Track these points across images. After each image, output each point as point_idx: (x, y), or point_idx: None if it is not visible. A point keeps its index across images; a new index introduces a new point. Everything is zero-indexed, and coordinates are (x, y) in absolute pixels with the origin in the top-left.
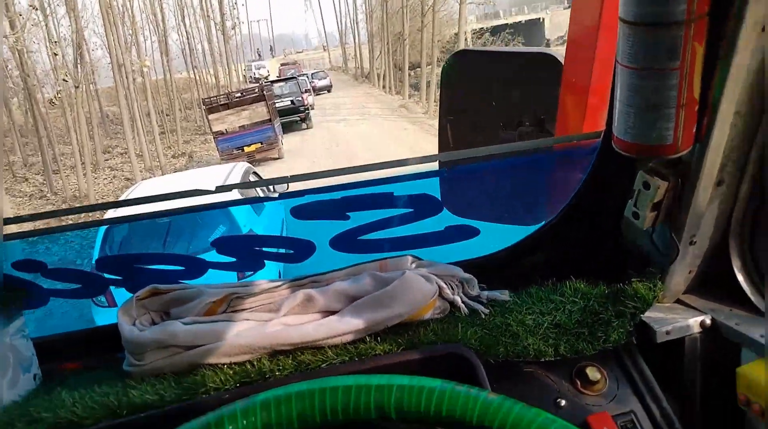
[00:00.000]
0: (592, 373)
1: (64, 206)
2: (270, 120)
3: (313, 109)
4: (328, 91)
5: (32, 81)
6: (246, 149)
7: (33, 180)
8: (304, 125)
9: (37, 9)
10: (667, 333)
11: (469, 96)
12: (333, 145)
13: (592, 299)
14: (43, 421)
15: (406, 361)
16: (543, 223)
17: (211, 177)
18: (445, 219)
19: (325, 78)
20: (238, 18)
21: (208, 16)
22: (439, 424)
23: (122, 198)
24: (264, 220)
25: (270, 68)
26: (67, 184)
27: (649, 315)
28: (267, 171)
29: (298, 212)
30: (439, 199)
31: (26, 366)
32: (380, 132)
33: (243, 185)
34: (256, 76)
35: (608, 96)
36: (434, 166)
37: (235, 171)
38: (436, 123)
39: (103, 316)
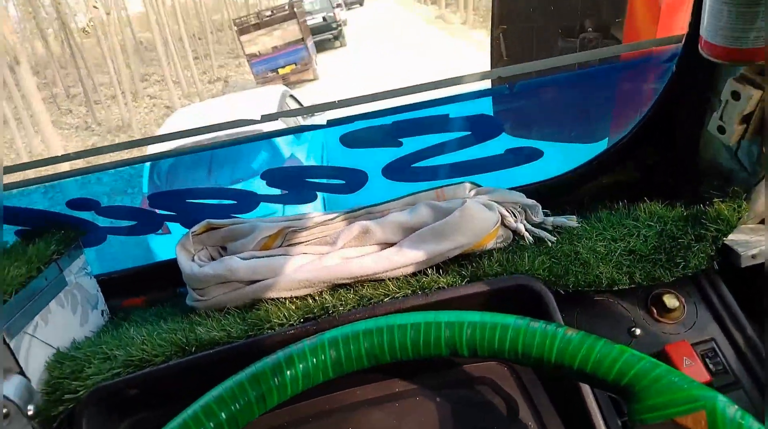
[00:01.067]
0: (669, 300)
1: (108, 136)
2: (303, 39)
3: (345, 25)
4: (360, 5)
5: (64, 10)
6: (280, 71)
7: (77, 112)
8: (337, 43)
9: None
10: (753, 257)
11: (524, 2)
12: (369, 64)
13: (669, 222)
14: (117, 359)
15: (472, 294)
16: (608, 140)
17: (249, 101)
18: (505, 141)
19: None
20: None
21: None
22: (515, 361)
23: (163, 126)
24: (305, 146)
25: None
26: (110, 114)
27: (732, 238)
28: (303, 93)
29: (348, 140)
30: (499, 119)
31: (93, 303)
32: (416, 46)
33: (288, 113)
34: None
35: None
36: (487, 83)
37: (272, 94)
38: (475, 34)
39: (158, 243)
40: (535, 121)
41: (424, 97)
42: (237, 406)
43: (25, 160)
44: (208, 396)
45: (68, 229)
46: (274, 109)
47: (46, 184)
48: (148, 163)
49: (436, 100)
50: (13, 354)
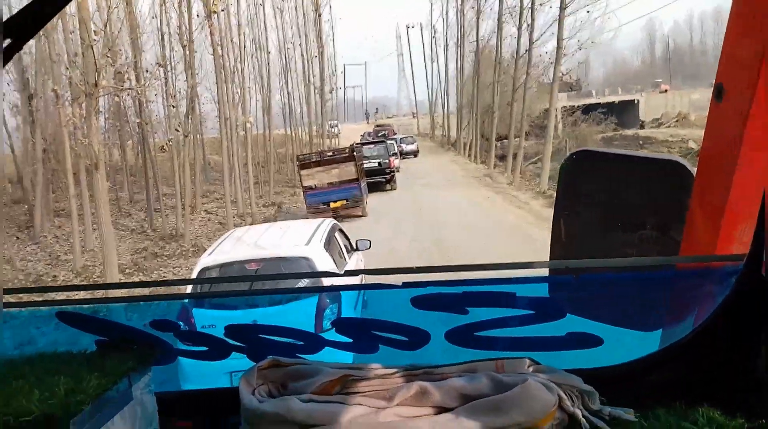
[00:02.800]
0: None
1: (160, 242)
2: (357, 179)
3: (398, 171)
4: (415, 156)
5: (147, 128)
6: (332, 205)
7: (136, 216)
8: (388, 187)
9: (161, 66)
10: None
11: (588, 194)
12: (416, 208)
13: None
14: None
15: None
16: (662, 331)
17: (299, 230)
18: (567, 324)
19: (412, 143)
20: (335, 84)
21: (309, 80)
22: None
23: (218, 242)
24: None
25: (360, 129)
26: (166, 222)
27: None
28: (350, 227)
29: (419, 302)
30: (562, 304)
31: (148, 420)
32: (463, 199)
33: (366, 271)
34: (334, 132)
35: (745, 218)
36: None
37: (322, 226)
38: (520, 194)
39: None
40: (592, 306)
41: (493, 273)
42: None
43: (78, 253)
44: None
45: (145, 347)
46: (323, 240)
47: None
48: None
49: (505, 278)
50: None
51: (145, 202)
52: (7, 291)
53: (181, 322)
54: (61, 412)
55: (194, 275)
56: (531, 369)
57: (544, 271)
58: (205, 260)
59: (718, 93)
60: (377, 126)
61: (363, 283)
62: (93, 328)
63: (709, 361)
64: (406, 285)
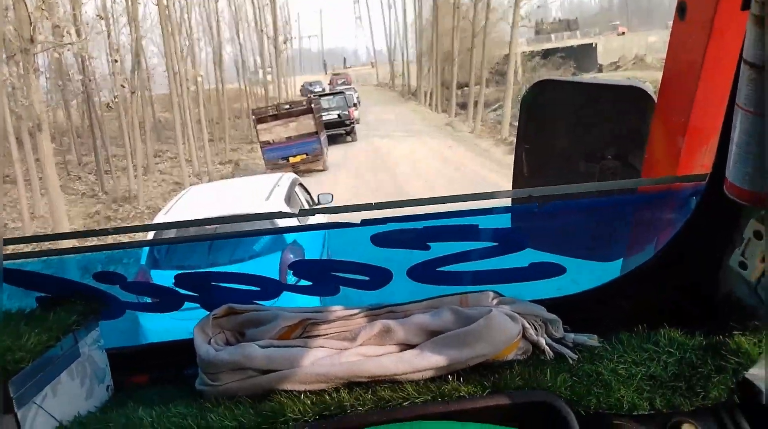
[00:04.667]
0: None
1: (113, 205)
2: (316, 133)
3: (358, 123)
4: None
5: (91, 85)
6: (291, 160)
7: (86, 179)
8: (348, 138)
9: (102, 18)
10: None
11: (549, 126)
12: (377, 160)
13: (689, 351)
14: None
15: (494, 406)
16: (623, 261)
17: (259, 186)
18: (529, 255)
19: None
20: (290, 33)
21: (262, 30)
22: None
23: (174, 201)
24: (308, 235)
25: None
26: (118, 184)
27: (753, 372)
28: (311, 182)
29: (379, 240)
30: (525, 235)
31: (101, 377)
32: (425, 149)
33: (325, 210)
34: (312, 90)
35: (707, 138)
36: (507, 201)
37: (282, 181)
38: (482, 142)
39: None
40: (555, 237)
41: (453, 206)
42: None
43: (27, 220)
44: None
45: (90, 301)
46: (283, 195)
47: (53, 256)
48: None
49: (467, 210)
50: (18, 424)
51: (95, 164)
52: None
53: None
54: None
55: (149, 237)
56: (495, 301)
57: (507, 202)
58: (161, 220)
59: (681, 10)
60: (334, 74)
61: (313, 223)
62: (32, 284)
63: (671, 283)
64: (364, 222)
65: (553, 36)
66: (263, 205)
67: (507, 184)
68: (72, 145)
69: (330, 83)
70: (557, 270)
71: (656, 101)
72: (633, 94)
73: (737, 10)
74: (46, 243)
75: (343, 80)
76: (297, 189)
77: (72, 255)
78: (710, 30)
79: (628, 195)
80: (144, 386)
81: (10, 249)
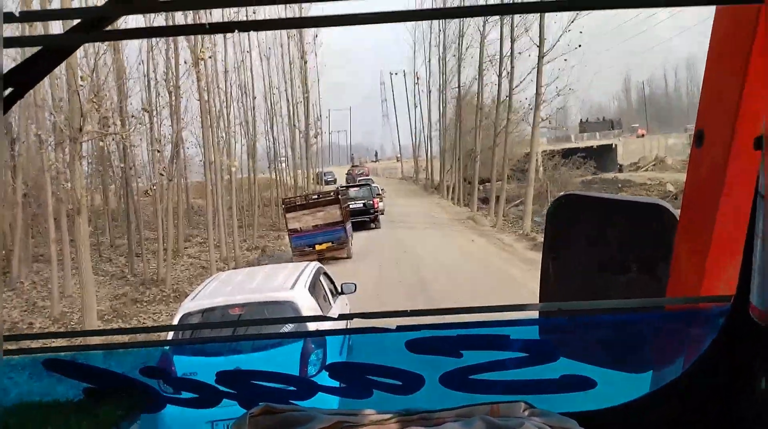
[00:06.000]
0: None
1: (140, 288)
2: (342, 222)
3: (383, 214)
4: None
5: (131, 172)
6: (317, 247)
7: (116, 261)
8: (372, 225)
9: (147, 111)
10: None
11: (574, 237)
12: (400, 251)
13: None
14: None
15: None
16: (652, 373)
17: (284, 274)
18: (561, 367)
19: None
20: (320, 128)
21: (295, 125)
22: None
23: (201, 287)
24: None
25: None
26: (147, 267)
27: None
28: (335, 270)
29: (413, 346)
30: (554, 346)
31: None
32: (447, 242)
33: (358, 315)
34: (326, 179)
35: (730, 257)
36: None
37: (307, 270)
38: (504, 236)
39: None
40: (583, 348)
41: (485, 316)
42: None
43: (56, 299)
44: None
45: (134, 394)
46: (308, 283)
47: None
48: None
49: (498, 321)
50: None
51: (127, 246)
52: None
53: (169, 369)
54: None
55: (176, 321)
56: (526, 413)
57: (536, 313)
58: (188, 305)
59: (698, 139)
60: (353, 166)
61: (351, 327)
62: (80, 375)
63: (700, 401)
64: (400, 328)
65: (572, 136)
66: (287, 294)
67: (531, 283)
68: (106, 228)
69: (348, 174)
70: (588, 384)
71: (679, 220)
72: (654, 210)
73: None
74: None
75: (361, 171)
76: (321, 278)
77: (112, 349)
78: (727, 157)
79: (654, 312)
80: None
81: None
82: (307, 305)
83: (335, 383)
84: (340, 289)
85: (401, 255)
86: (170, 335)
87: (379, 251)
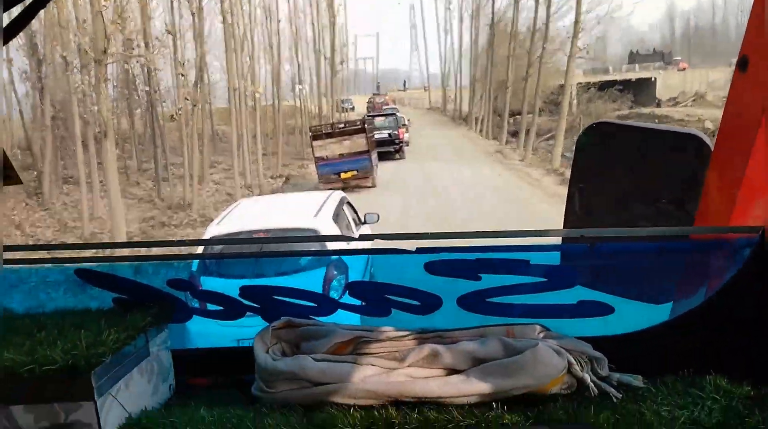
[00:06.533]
0: None
1: (168, 212)
2: (368, 151)
3: (407, 145)
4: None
5: (155, 96)
6: (343, 175)
7: (144, 185)
8: (397, 156)
9: (170, 33)
10: None
11: (605, 166)
12: (425, 183)
13: (735, 399)
14: None
15: None
16: (672, 304)
17: (308, 202)
18: (579, 292)
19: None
20: (346, 55)
21: (319, 51)
22: None
23: (226, 212)
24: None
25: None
26: (174, 192)
27: None
28: (359, 198)
29: (432, 268)
30: (574, 273)
31: (165, 376)
32: (473, 175)
33: (381, 236)
34: (344, 107)
35: (762, 190)
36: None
37: (331, 199)
38: (532, 171)
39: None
40: (604, 277)
41: (505, 241)
42: None
43: (86, 221)
44: None
45: (162, 305)
46: (331, 212)
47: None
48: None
49: (519, 246)
50: (96, 412)
51: (153, 171)
52: (20, 247)
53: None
54: (84, 363)
55: (202, 246)
56: (541, 335)
57: (559, 240)
58: (213, 230)
59: (743, 64)
60: (374, 95)
61: (371, 248)
62: (110, 285)
63: (719, 331)
64: (419, 250)
65: (611, 67)
66: (311, 222)
67: (557, 218)
68: (133, 152)
69: (369, 102)
70: (605, 309)
71: (713, 149)
72: (690, 141)
73: None
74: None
75: (382, 100)
76: (344, 207)
77: (141, 262)
78: None
79: (680, 241)
80: (203, 388)
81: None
82: (330, 233)
83: (355, 302)
84: (363, 219)
85: (425, 186)
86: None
87: (402, 182)
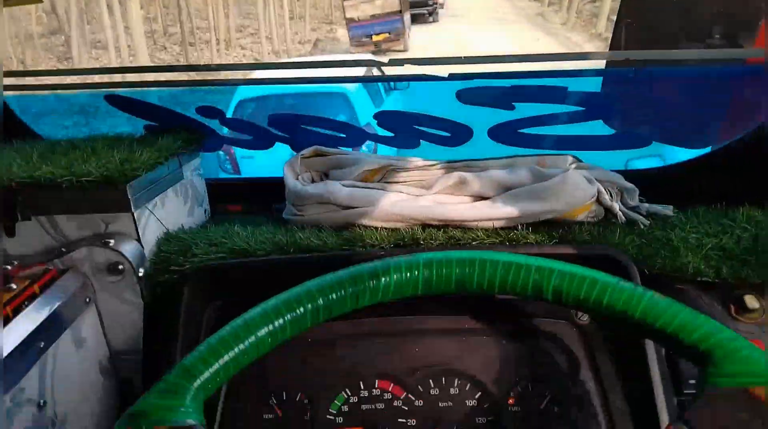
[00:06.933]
0: (751, 301)
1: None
2: (400, 11)
3: (442, 7)
4: None
5: None
6: (374, 38)
7: (171, 50)
8: (431, 19)
9: None
10: None
11: (653, 1)
12: (457, 47)
13: (766, 229)
14: (222, 245)
15: (559, 254)
16: (710, 148)
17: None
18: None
19: None
20: None
21: None
22: (596, 312)
23: (254, 76)
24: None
25: None
26: (201, 57)
27: None
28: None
29: (464, 96)
30: (615, 101)
31: (200, 201)
32: (509, 40)
33: (415, 60)
34: None
35: None
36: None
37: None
38: (574, 36)
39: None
40: (646, 111)
41: (541, 66)
42: (334, 296)
43: None
44: (310, 284)
45: (193, 131)
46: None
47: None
48: (234, 103)
49: (556, 71)
50: (135, 222)
51: (180, 35)
52: (44, 72)
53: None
54: (118, 175)
55: (232, 108)
56: (573, 166)
57: (601, 64)
58: (242, 92)
59: None
60: None
61: (401, 74)
62: (141, 112)
63: (757, 164)
64: (452, 77)
65: None
66: (342, 84)
67: None
68: (158, 15)
69: None
70: (642, 141)
71: None
72: None
73: None
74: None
75: None
76: (374, 71)
77: (172, 87)
78: None
79: (735, 66)
80: (237, 213)
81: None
82: (361, 97)
83: (384, 133)
84: (393, 85)
85: (459, 51)
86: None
87: (435, 46)
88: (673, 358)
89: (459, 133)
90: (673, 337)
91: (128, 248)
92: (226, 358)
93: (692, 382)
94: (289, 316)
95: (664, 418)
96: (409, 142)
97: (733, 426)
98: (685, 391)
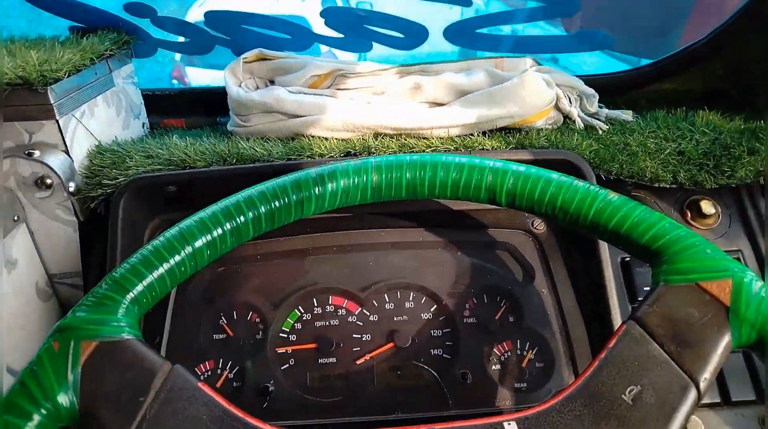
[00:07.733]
0: (706, 206)
1: None
2: None
3: None
4: None
5: None
6: None
7: None
8: None
9: None
10: None
11: None
12: None
13: (724, 133)
14: (159, 157)
15: (515, 159)
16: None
17: None
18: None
19: None
20: None
21: None
22: (550, 215)
23: None
24: None
25: None
26: None
27: None
28: None
29: None
30: None
31: (136, 113)
32: None
33: None
34: None
35: None
36: None
37: None
38: None
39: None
40: (608, 15)
41: None
42: (277, 204)
43: None
44: (251, 190)
45: (122, 33)
46: None
47: None
48: None
49: None
50: (60, 131)
51: None
52: None
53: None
54: (37, 76)
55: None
56: (533, 68)
57: None
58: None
59: None
60: None
61: None
62: (64, 10)
63: (721, 66)
64: None
65: None
66: None
67: None
68: None
69: None
70: (604, 41)
71: None
72: None
73: None
74: None
75: None
76: None
77: None
78: None
79: None
80: (180, 129)
81: None
82: None
83: (333, 34)
84: None
85: None
86: None
87: None
88: (629, 270)
89: (413, 34)
90: (627, 238)
91: (55, 160)
92: (161, 270)
93: (647, 289)
94: (228, 225)
95: (618, 322)
96: (360, 44)
97: (684, 322)
98: (639, 299)
